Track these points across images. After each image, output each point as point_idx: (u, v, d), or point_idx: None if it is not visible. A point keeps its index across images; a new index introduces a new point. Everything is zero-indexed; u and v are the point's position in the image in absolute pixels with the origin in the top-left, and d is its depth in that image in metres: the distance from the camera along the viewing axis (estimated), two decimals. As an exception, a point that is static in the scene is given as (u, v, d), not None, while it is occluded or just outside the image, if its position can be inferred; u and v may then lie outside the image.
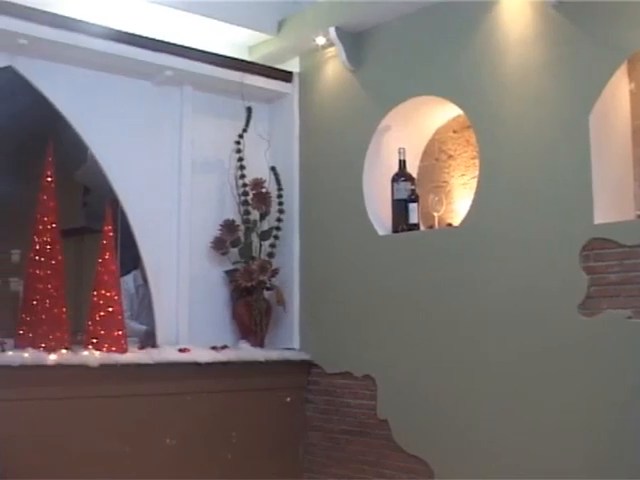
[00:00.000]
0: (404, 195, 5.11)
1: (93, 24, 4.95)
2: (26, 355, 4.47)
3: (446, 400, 4.69)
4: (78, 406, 4.64)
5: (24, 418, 4.45)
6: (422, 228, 5.10)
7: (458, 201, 5.07)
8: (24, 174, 6.61)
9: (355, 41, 5.40)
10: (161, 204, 5.49)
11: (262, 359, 5.36)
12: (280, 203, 5.74)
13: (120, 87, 5.33)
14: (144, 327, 5.57)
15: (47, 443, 4.51)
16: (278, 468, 5.37)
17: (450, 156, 5.21)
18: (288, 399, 5.49)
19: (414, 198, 5.09)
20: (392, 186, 5.17)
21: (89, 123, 5.15)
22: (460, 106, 4.83)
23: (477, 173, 4.73)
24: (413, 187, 5.13)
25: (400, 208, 5.13)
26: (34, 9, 4.74)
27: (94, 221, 6.85)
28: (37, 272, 4.71)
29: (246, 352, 5.40)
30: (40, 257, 4.72)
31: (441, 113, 5.20)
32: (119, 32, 5.06)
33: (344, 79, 5.52)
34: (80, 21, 4.90)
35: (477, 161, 4.76)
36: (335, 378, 5.37)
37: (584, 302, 4.05)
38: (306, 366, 5.56)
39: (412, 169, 5.26)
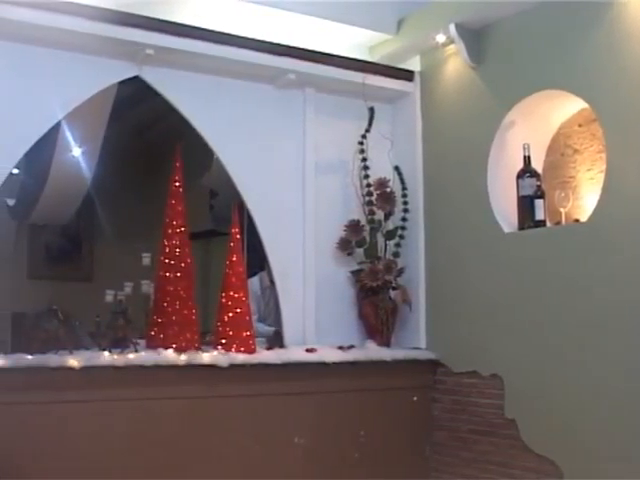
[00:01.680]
0: (530, 191, 5.03)
1: (216, 32, 5.05)
2: (158, 355, 4.59)
3: (576, 399, 4.58)
4: (208, 405, 4.74)
5: (156, 416, 4.58)
6: (548, 225, 5.00)
7: (585, 196, 4.94)
8: (153, 180, 6.79)
9: (475, 37, 5.35)
10: (286, 206, 5.54)
11: (389, 359, 5.35)
12: (405, 202, 5.72)
13: (243, 92, 5.42)
14: (272, 329, 5.63)
15: (178, 441, 4.63)
16: (405, 467, 5.36)
17: (576, 150, 5.09)
18: (415, 398, 5.47)
19: (540, 194, 5.00)
20: (517, 182, 5.10)
21: (214, 128, 5.25)
22: (585, 99, 4.73)
23: (604, 167, 4.62)
24: (539, 183, 5.04)
25: (526, 205, 5.05)
26: (160, 20, 4.88)
27: (221, 224, 6.99)
28: (167, 274, 4.83)
29: (373, 352, 5.40)
30: (170, 260, 4.84)
31: (566, 107, 5.09)
32: (241, 38, 5.14)
33: (465, 76, 5.47)
34: (203, 29, 5.01)
35: (604, 155, 4.64)
36: (462, 377, 5.33)
37: None
38: (432, 365, 5.52)
39: (537, 165, 5.17)
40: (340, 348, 5.28)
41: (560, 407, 4.67)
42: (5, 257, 8.20)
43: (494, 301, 5.14)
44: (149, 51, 4.88)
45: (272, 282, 5.57)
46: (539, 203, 4.99)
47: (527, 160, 5.09)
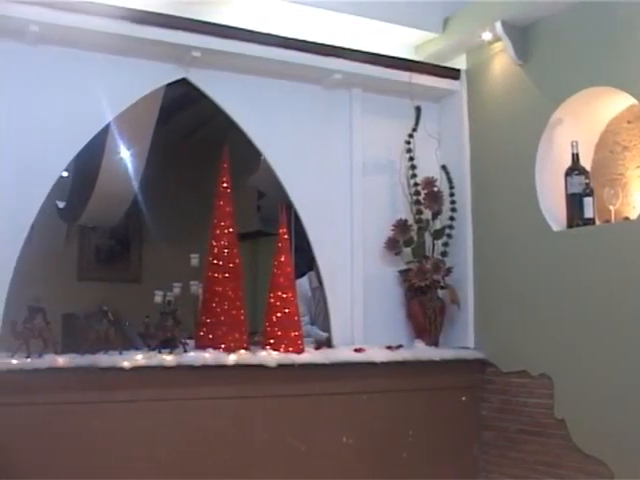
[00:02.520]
0: (578, 189, 4.98)
1: (262, 33, 5.08)
2: (207, 355, 4.62)
3: (626, 399, 4.52)
4: (256, 405, 4.76)
5: (205, 416, 4.61)
6: (598, 223, 4.95)
7: (635, 194, 4.89)
8: (201, 181, 6.84)
9: (522, 35, 5.31)
10: (334, 206, 5.55)
11: (437, 358, 5.33)
12: (452, 202, 5.70)
13: (290, 92, 5.43)
14: (326, 334, 5.61)
15: (227, 441, 4.67)
16: (453, 467, 5.34)
17: (625, 147, 5.03)
18: (463, 398, 5.45)
19: (589, 192, 4.95)
20: (565, 180, 5.05)
21: (261, 129, 5.27)
22: (634, 95, 4.67)
23: (655, 164, 4.59)
24: (587, 181, 4.99)
25: (574, 203, 5.00)
26: (206, 22, 4.92)
27: (268, 224, 7.02)
28: (216, 275, 4.86)
29: (421, 351, 5.39)
30: (218, 261, 4.86)
31: (614, 104, 5.03)
32: (287, 39, 5.16)
33: (512, 74, 5.43)
34: (250, 31, 5.04)
35: (654, 152, 4.61)
36: (511, 377, 5.28)
37: None
38: (481, 365, 5.49)
39: (585, 162, 5.12)
40: (388, 348, 5.28)
41: (610, 407, 4.62)
42: (56, 259, 8.30)
43: (543, 300, 5.10)
44: (196, 53, 4.92)
45: (320, 282, 5.58)
46: (588, 201, 4.94)
47: (575, 158, 5.04)
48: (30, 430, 4.16)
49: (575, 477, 4.75)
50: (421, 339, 5.53)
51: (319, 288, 5.85)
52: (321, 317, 5.98)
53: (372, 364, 5.08)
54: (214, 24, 4.95)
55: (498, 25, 5.24)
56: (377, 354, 5.15)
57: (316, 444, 4.91)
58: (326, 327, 5.63)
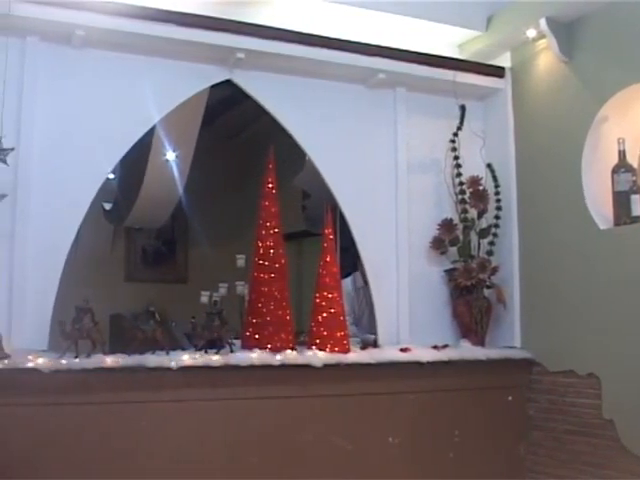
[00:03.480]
0: (625, 187, 4.93)
1: (305, 34, 5.09)
2: (253, 356, 4.63)
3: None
4: (302, 405, 4.77)
5: (251, 416, 4.63)
6: (645, 220, 4.91)
7: (683, 191, 4.85)
8: (246, 182, 6.87)
9: (567, 31, 5.26)
10: (379, 206, 5.55)
11: (483, 358, 5.31)
12: (498, 200, 5.67)
13: (334, 93, 5.44)
14: (372, 336, 5.59)
15: (272, 441, 4.68)
16: (500, 467, 5.30)
17: (673, 144, 4.99)
18: (510, 398, 5.41)
19: (636, 189, 4.89)
20: (612, 178, 5.00)
21: (306, 129, 5.29)
22: (682, 91, 4.64)
23: (703, 161, 4.52)
24: (634, 178, 4.93)
25: (621, 200, 4.95)
26: (250, 24, 4.94)
27: (313, 224, 7.03)
28: (262, 275, 4.87)
29: (467, 351, 5.36)
30: (264, 261, 4.87)
31: (662, 100, 4.99)
32: (331, 39, 5.17)
33: (557, 71, 5.39)
34: (293, 31, 5.05)
35: (702, 149, 4.54)
36: (558, 376, 5.24)
37: None
38: (528, 364, 5.44)
39: (633, 159, 5.05)
40: (434, 347, 5.26)
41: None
42: (103, 260, 8.38)
43: (590, 298, 5.05)
44: (240, 55, 4.95)
45: (366, 282, 5.59)
46: (635, 198, 4.88)
47: (622, 155, 4.99)
48: (78, 430, 4.20)
49: (623, 478, 4.70)
50: (467, 339, 5.50)
51: (363, 288, 5.85)
52: (365, 317, 5.97)
53: (418, 364, 5.07)
54: (258, 25, 4.98)
55: (543, 22, 5.20)
56: (423, 354, 5.14)
57: (362, 444, 4.90)
58: (371, 327, 5.64)
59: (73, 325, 4.28)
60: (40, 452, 4.10)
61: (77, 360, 4.20)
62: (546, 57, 5.48)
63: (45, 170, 4.57)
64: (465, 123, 5.71)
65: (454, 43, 5.82)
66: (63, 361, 4.16)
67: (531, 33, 5.40)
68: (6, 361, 4.05)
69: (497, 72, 5.81)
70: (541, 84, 5.55)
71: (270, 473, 4.62)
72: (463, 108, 5.71)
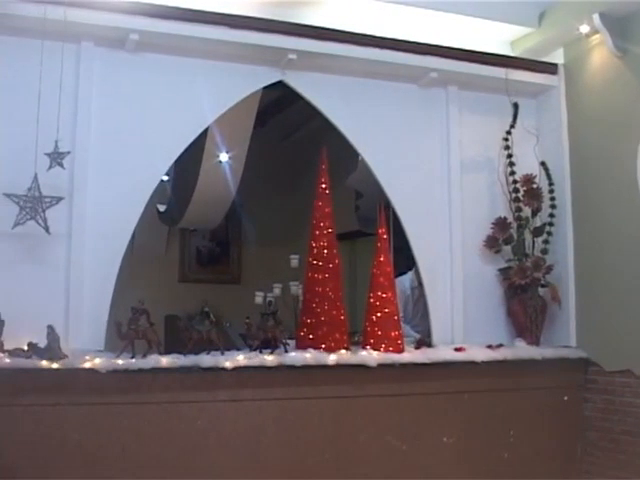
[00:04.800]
0: (683, 183, 4.88)
1: (357, 34, 5.10)
2: (307, 356, 4.66)
3: None
4: (356, 405, 4.77)
5: (305, 416, 4.65)
6: (702, 216, 4.84)
7: None
8: (299, 182, 6.88)
9: (621, 26, 5.20)
10: (432, 205, 5.54)
11: (538, 357, 5.27)
12: (552, 198, 5.63)
13: (386, 92, 5.44)
14: (418, 336, 5.59)
15: (326, 441, 4.69)
16: (555, 468, 5.25)
17: None
18: (565, 398, 5.36)
19: (694, 186, 4.84)
20: (669, 174, 4.96)
21: (358, 129, 5.29)
22: None
23: None
24: (693, 175, 4.89)
25: (679, 197, 4.90)
26: (301, 25, 4.97)
27: (366, 224, 7.02)
28: (316, 276, 4.88)
29: (522, 350, 5.33)
30: (318, 261, 4.89)
31: None
32: (383, 38, 5.17)
33: (611, 66, 5.33)
34: (344, 32, 5.06)
35: None
36: (614, 376, 5.18)
37: None
38: (583, 364, 5.40)
39: (691, 156, 5.01)
40: (489, 347, 5.24)
41: None
42: (158, 261, 8.46)
43: (647, 297, 5.00)
44: (292, 56, 4.97)
45: (420, 282, 5.57)
46: (693, 196, 4.83)
47: (680, 151, 4.93)
48: (134, 429, 4.25)
49: (682, 480, 4.65)
50: (522, 338, 5.47)
51: (418, 287, 5.84)
52: (418, 316, 5.96)
53: (473, 363, 5.05)
54: (309, 26, 5.00)
55: (596, 17, 5.15)
56: (478, 353, 5.12)
57: (416, 444, 4.89)
58: (424, 326, 5.62)
59: (129, 326, 4.33)
60: (96, 451, 4.16)
61: (133, 360, 4.25)
62: (600, 53, 5.42)
63: (100, 173, 4.63)
64: (518, 121, 5.67)
65: (506, 40, 5.79)
66: (119, 361, 4.22)
67: (584, 29, 5.35)
68: (64, 361, 4.11)
69: (550, 69, 5.76)
70: (595, 80, 5.50)
71: (324, 472, 4.62)
72: (516, 106, 5.68)
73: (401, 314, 5.46)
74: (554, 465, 5.28)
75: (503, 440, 5.16)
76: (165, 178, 6.60)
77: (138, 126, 4.77)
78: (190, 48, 4.84)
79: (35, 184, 4.30)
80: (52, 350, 4.12)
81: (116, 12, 4.52)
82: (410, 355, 4.97)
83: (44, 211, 4.30)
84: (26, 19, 4.37)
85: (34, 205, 4.28)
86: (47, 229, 4.30)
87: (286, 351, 4.67)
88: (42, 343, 4.13)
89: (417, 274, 5.66)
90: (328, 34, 5.02)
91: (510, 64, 5.61)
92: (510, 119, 5.66)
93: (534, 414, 5.26)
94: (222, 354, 4.48)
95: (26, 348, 4.12)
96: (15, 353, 4.10)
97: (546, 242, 5.55)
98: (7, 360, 4.05)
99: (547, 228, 5.57)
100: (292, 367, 4.56)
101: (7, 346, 4.14)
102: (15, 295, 4.29)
